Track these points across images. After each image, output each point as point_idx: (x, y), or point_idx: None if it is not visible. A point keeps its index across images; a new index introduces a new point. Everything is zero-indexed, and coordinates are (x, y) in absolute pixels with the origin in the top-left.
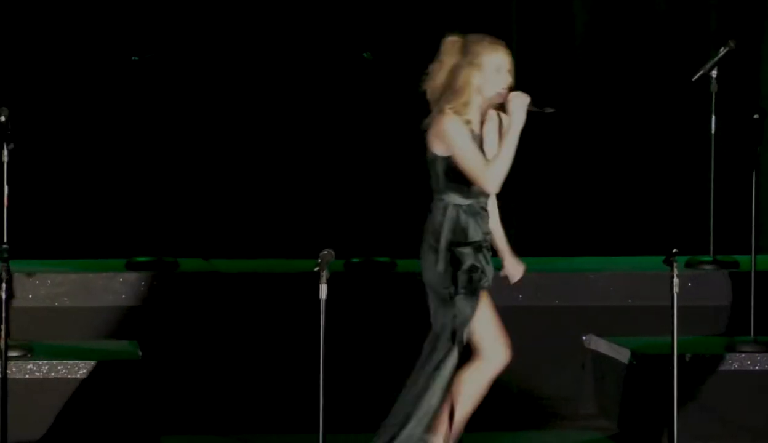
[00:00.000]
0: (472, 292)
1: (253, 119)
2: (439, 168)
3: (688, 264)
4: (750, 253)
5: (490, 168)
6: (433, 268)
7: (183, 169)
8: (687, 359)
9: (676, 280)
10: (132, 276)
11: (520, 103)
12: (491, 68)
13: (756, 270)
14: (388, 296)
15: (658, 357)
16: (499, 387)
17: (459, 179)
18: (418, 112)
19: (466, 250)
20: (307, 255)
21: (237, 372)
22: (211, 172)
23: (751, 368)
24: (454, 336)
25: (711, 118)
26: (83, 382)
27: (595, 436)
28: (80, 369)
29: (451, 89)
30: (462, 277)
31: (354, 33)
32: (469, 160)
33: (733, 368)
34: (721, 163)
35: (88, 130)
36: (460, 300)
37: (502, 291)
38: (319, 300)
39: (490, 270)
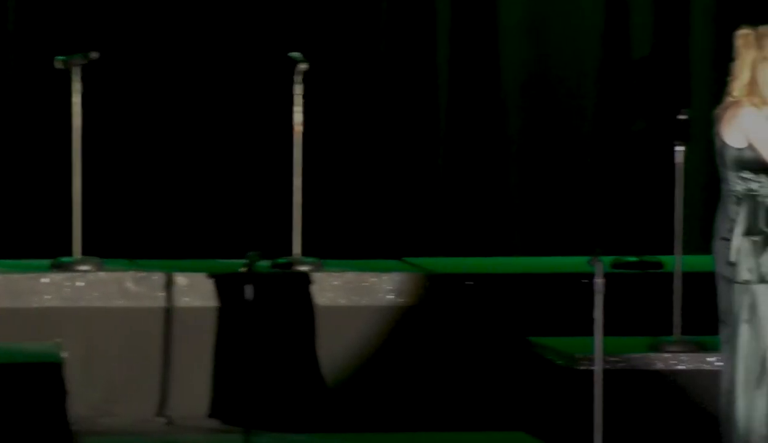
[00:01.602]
0: None
1: (177, 118)
2: (732, 158)
3: (614, 265)
4: (674, 253)
5: None
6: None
7: (109, 169)
8: (612, 359)
9: (600, 281)
10: (58, 277)
11: None
12: None
13: (681, 270)
14: (315, 295)
15: (583, 357)
16: (434, 388)
17: (753, 169)
18: (349, 112)
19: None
20: (233, 256)
21: (164, 373)
22: (137, 171)
23: (676, 368)
24: None
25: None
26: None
27: (526, 438)
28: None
29: (753, 85)
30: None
31: (282, 33)
32: None
33: (657, 368)
34: (648, 163)
35: (15, 129)
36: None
37: (440, 292)
38: (245, 301)
39: None
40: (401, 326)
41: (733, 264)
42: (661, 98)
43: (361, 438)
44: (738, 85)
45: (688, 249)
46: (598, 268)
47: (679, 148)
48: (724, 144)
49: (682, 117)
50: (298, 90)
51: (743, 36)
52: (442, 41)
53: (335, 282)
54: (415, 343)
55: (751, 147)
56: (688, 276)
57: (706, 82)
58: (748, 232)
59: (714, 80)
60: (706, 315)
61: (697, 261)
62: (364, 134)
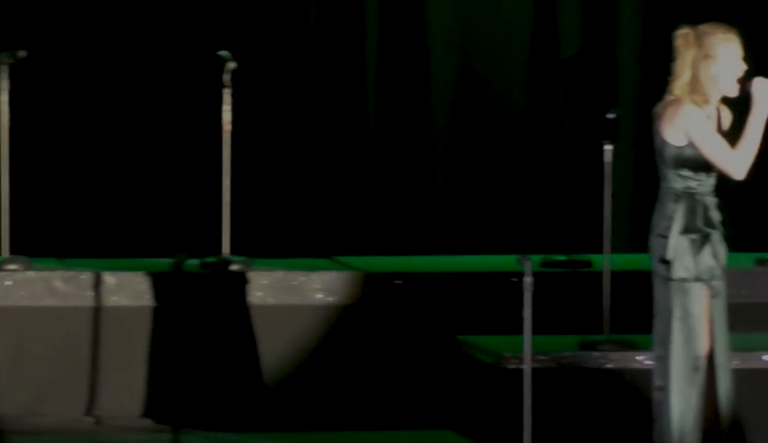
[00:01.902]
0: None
1: (106, 117)
2: (672, 155)
3: (543, 264)
4: (603, 252)
5: (737, 154)
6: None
7: (37, 168)
8: (541, 358)
9: (529, 280)
10: None
11: (764, 87)
12: (727, 59)
13: (609, 269)
14: (243, 295)
15: (512, 356)
16: (363, 387)
17: (693, 167)
18: (278, 111)
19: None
20: (162, 255)
21: (93, 372)
22: (65, 170)
23: (605, 366)
24: None
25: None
26: None
27: (454, 437)
28: None
29: (695, 84)
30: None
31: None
32: (712, 148)
33: (586, 366)
34: (576, 162)
35: None
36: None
37: (370, 291)
38: (174, 299)
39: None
40: (331, 325)
41: (669, 262)
42: (589, 97)
43: (290, 437)
44: (679, 84)
45: (616, 248)
46: (527, 267)
47: (608, 147)
48: (664, 141)
49: (610, 116)
50: (226, 89)
51: (683, 35)
52: (371, 40)
53: (264, 282)
54: (345, 342)
55: (691, 145)
56: (617, 275)
57: (633, 82)
58: (686, 230)
59: (641, 80)
60: (635, 313)
61: (626, 260)
62: (294, 133)
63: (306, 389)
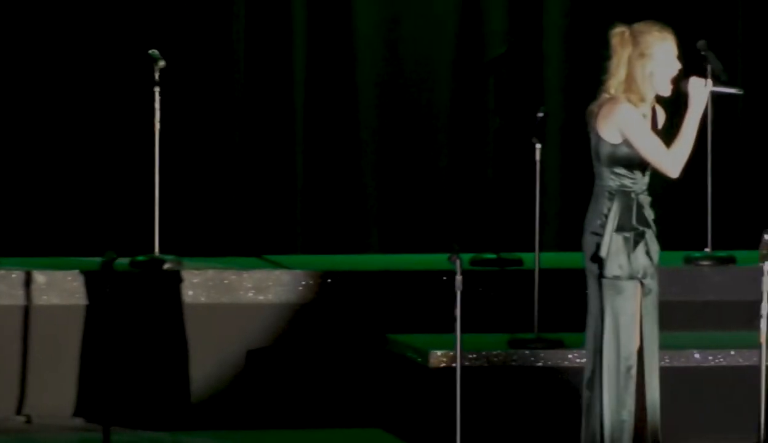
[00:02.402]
0: None
1: (36, 115)
2: (607, 154)
3: (473, 262)
4: (533, 250)
5: (672, 153)
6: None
7: None
8: (471, 356)
9: (459, 278)
10: None
11: (700, 86)
12: (662, 58)
13: (539, 267)
14: (174, 294)
15: (442, 354)
16: (294, 384)
17: (627, 165)
18: (207, 111)
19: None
20: (92, 254)
21: (23, 371)
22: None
23: (535, 364)
24: None
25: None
26: None
27: (383, 435)
28: None
29: (630, 82)
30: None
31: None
32: (648, 146)
33: (516, 365)
34: (506, 161)
35: None
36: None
37: (300, 289)
38: (105, 298)
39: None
40: (261, 323)
41: (603, 260)
42: (517, 96)
43: (219, 435)
44: (614, 82)
45: (546, 247)
46: (457, 266)
47: (538, 146)
48: (599, 139)
49: (539, 115)
50: (156, 88)
51: (619, 34)
52: (299, 41)
53: (195, 280)
54: (276, 340)
55: (626, 143)
56: (547, 273)
57: (559, 82)
58: (620, 228)
59: (566, 80)
60: (564, 311)
61: (556, 258)
62: (224, 133)
63: (237, 387)
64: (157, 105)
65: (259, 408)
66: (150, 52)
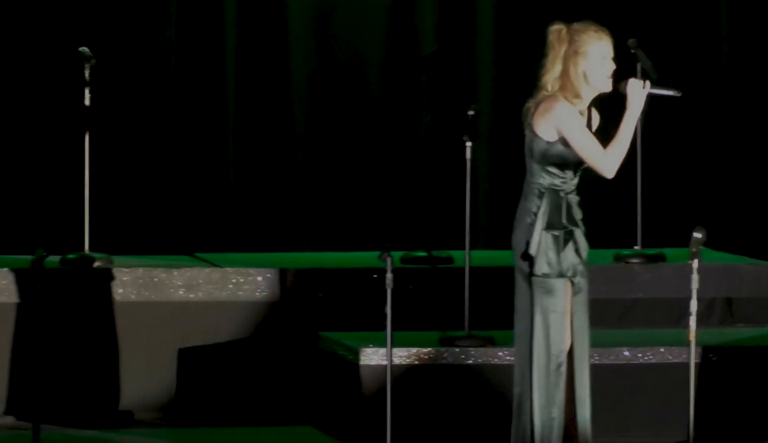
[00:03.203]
0: None
1: None
2: (541, 151)
3: (404, 260)
4: (464, 248)
5: (609, 153)
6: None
7: None
8: (402, 354)
9: (390, 276)
10: None
11: (638, 87)
12: (597, 57)
13: (470, 265)
14: (105, 291)
15: (374, 352)
16: (225, 382)
17: (560, 164)
18: (137, 107)
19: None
20: (21, 252)
21: None
22: None
23: (466, 362)
24: None
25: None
26: None
27: (314, 433)
28: None
29: (565, 79)
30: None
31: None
32: (585, 145)
33: (447, 362)
34: (437, 158)
35: None
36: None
37: (231, 286)
38: (35, 296)
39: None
40: (192, 321)
41: (532, 258)
42: (449, 94)
43: (149, 433)
44: (549, 78)
45: (477, 244)
46: (388, 263)
47: (468, 144)
48: (535, 136)
49: (470, 113)
50: (86, 86)
51: (556, 31)
52: (231, 36)
53: (126, 278)
54: (206, 338)
55: (561, 141)
56: (478, 271)
57: (490, 81)
58: (550, 227)
59: (496, 79)
60: (495, 309)
61: (486, 256)
62: (154, 130)
63: (167, 385)
64: (87, 103)
65: (189, 406)
66: (81, 49)
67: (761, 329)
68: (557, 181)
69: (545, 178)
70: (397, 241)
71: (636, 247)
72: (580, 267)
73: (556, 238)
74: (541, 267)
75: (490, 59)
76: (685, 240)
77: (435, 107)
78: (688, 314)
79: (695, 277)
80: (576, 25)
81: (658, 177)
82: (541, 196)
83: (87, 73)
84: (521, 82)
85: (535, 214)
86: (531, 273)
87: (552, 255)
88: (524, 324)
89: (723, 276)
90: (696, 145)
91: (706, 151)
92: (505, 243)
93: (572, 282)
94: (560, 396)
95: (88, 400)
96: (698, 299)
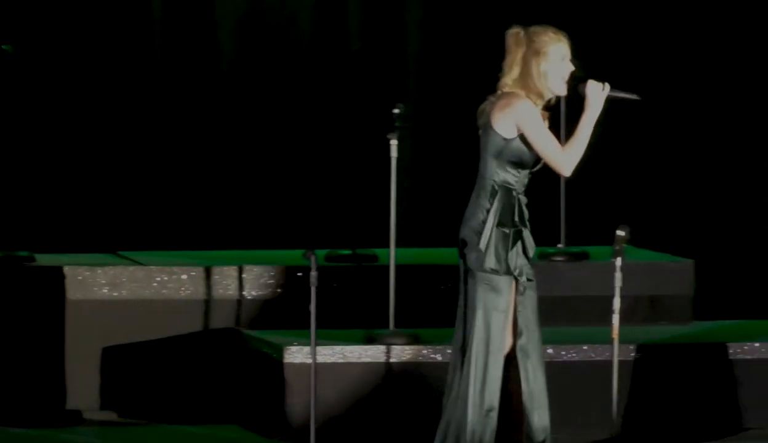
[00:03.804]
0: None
1: None
2: (497, 147)
3: (328, 258)
4: (388, 246)
5: (567, 151)
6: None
7: None
8: (327, 352)
9: (314, 274)
10: None
11: (597, 89)
12: (557, 58)
13: (395, 263)
14: (28, 290)
15: (298, 350)
16: (152, 380)
17: (515, 162)
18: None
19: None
20: None
21: None
22: None
23: (391, 360)
24: None
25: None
26: None
27: (240, 431)
28: None
29: (525, 79)
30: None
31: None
32: (545, 143)
33: (372, 360)
34: (362, 156)
35: None
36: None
37: (155, 284)
38: None
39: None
40: (116, 319)
41: (480, 254)
42: (375, 92)
43: (74, 431)
44: (508, 80)
45: (401, 242)
46: (312, 261)
47: (394, 142)
48: (492, 132)
49: (396, 111)
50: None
51: (514, 34)
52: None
53: (49, 276)
54: (130, 337)
55: (519, 138)
56: (402, 269)
57: (416, 79)
58: (501, 224)
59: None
60: (420, 307)
61: (411, 254)
62: (73, 125)
63: (91, 384)
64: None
65: (114, 405)
66: (3, 46)
67: (684, 326)
68: (511, 179)
69: (499, 175)
70: (321, 240)
71: (560, 245)
72: (527, 267)
73: (506, 236)
74: (489, 263)
75: (419, 56)
76: (608, 239)
77: (361, 105)
78: (612, 312)
79: (618, 275)
80: (534, 28)
81: (582, 175)
82: (494, 193)
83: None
84: (449, 79)
85: (488, 211)
86: (480, 269)
87: (501, 251)
88: (466, 320)
89: (646, 273)
90: (619, 144)
91: (630, 150)
92: (430, 241)
93: (517, 281)
94: (496, 394)
95: (14, 399)
96: (622, 297)
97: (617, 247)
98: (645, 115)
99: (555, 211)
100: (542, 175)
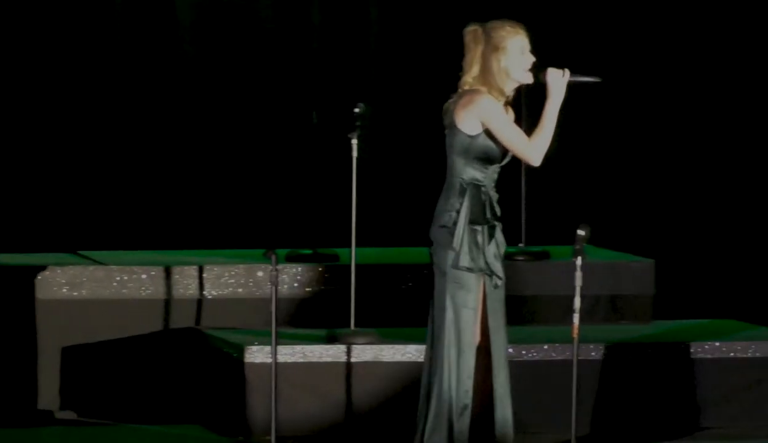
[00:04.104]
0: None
1: None
2: (463, 145)
3: (289, 257)
4: (349, 246)
5: (534, 142)
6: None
7: None
8: (287, 351)
9: (275, 273)
10: None
11: (558, 76)
12: (516, 52)
13: (356, 262)
14: None
15: (258, 349)
16: (112, 380)
17: (482, 159)
18: (20, 105)
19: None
20: None
21: None
22: None
23: (352, 360)
24: None
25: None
26: None
27: (202, 431)
28: None
29: (486, 76)
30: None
31: None
32: (511, 136)
33: (333, 359)
34: (323, 155)
35: None
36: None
37: (115, 284)
38: None
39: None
40: (77, 318)
41: (451, 253)
42: (335, 91)
43: (33, 432)
44: (468, 78)
45: (362, 242)
46: (273, 261)
47: (354, 141)
48: (457, 130)
49: (357, 110)
50: None
51: (472, 32)
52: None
53: (8, 276)
54: (90, 337)
55: (485, 134)
56: (363, 268)
57: (377, 77)
58: (473, 221)
59: (382, 75)
60: (381, 306)
61: (372, 254)
62: (36, 124)
63: (51, 384)
64: None
65: (74, 405)
66: None
67: (645, 326)
68: (479, 176)
69: (467, 173)
70: (282, 239)
71: (520, 245)
72: (497, 265)
73: (477, 233)
74: (464, 260)
75: (379, 54)
76: (569, 238)
77: (321, 104)
78: (573, 311)
79: (579, 274)
80: (491, 24)
81: (542, 174)
82: (463, 191)
83: None
84: (410, 78)
85: (458, 210)
86: (453, 266)
87: (473, 249)
88: (436, 319)
89: (607, 273)
90: (580, 143)
91: (591, 150)
92: (391, 241)
93: (489, 279)
94: (467, 393)
95: None
96: (582, 296)
97: (578, 247)
98: (605, 115)
99: (516, 211)
100: (503, 175)
